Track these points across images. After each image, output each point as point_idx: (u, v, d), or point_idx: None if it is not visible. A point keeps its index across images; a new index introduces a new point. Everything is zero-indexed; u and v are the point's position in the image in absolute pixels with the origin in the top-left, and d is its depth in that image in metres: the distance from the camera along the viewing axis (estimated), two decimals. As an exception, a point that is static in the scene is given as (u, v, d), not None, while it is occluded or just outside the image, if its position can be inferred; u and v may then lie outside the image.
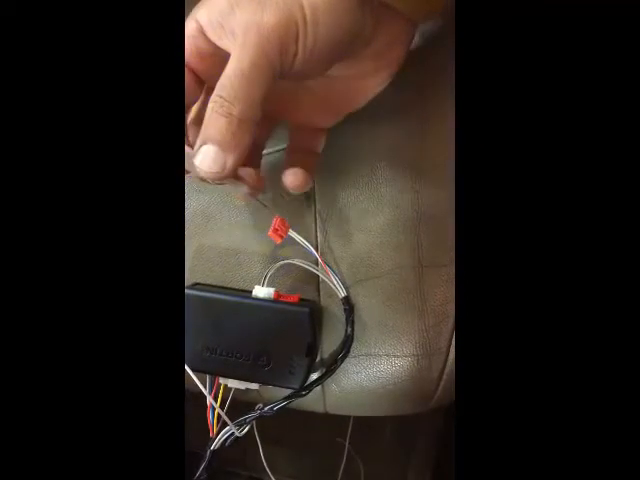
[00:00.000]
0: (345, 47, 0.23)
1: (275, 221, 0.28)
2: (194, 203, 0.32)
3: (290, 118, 0.29)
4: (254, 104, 0.21)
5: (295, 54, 0.21)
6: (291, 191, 0.27)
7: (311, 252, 0.30)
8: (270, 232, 0.28)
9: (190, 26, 0.22)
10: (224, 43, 0.22)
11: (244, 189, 0.25)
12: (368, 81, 0.26)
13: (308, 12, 0.20)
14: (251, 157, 0.27)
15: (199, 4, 0.22)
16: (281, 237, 0.28)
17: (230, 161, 0.21)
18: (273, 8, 0.20)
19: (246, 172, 0.25)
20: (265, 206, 0.27)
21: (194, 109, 0.26)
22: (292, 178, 0.26)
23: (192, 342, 0.30)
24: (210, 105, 0.21)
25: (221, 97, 0.21)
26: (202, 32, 0.22)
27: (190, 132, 0.25)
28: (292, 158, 0.28)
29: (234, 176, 0.24)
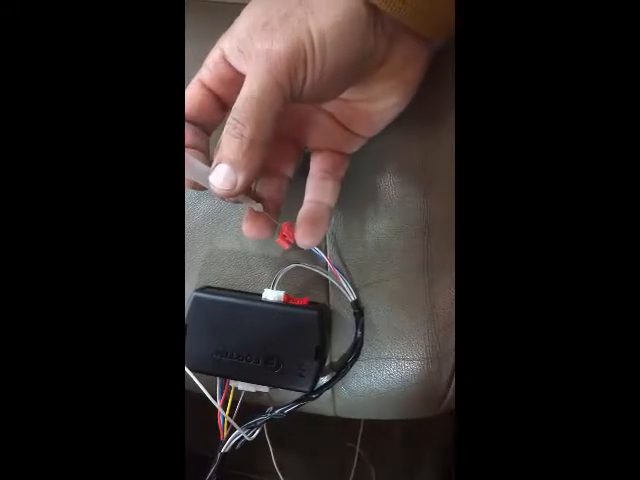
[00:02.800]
0: (356, 69, 0.23)
1: (283, 227, 0.28)
2: (205, 207, 0.33)
3: (311, 143, 0.29)
4: (265, 126, 0.22)
5: (304, 78, 0.22)
6: (301, 246, 0.28)
7: (320, 256, 0.30)
8: (278, 238, 0.28)
9: (214, 54, 0.24)
10: (243, 68, 0.23)
11: (258, 207, 0.26)
12: (385, 102, 0.27)
13: (315, 37, 0.21)
14: (272, 181, 0.28)
15: (224, 34, 0.24)
16: (289, 243, 0.28)
17: (241, 179, 0.22)
18: (282, 34, 0.21)
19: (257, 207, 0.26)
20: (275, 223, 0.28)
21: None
22: (304, 239, 0.27)
23: (202, 345, 0.30)
24: (225, 127, 0.22)
25: (234, 119, 0.22)
26: (225, 59, 0.24)
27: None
28: (307, 208, 0.28)
29: (248, 194, 0.26)
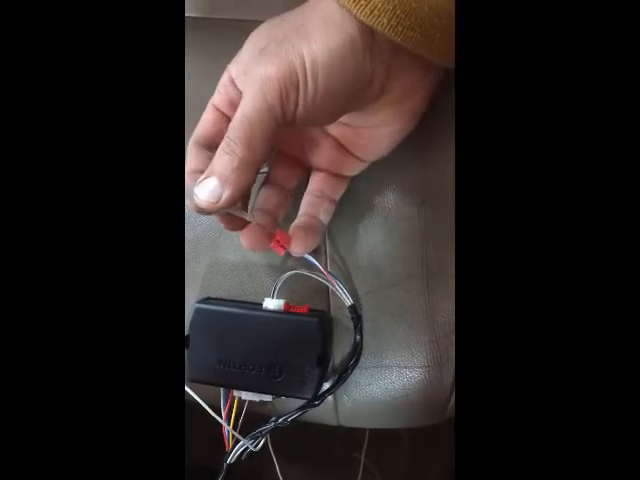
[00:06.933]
0: (351, 96, 0.23)
1: (277, 233, 0.28)
2: (206, 219, 0.33)
3: (313, 163, 0.30)
4: (255, 146, 0.22)
5: (296, 102, 0.22)
6: (292, 254, 0.29)
7: (311, 262, 0.31)
8: (273, 244, 0.28)
9: (224, 77, 0.25)
10: None
11: (251, 217, 0.27)
12: (388, 128, 0.27)
13: (307, 62, 0.21)
14: (274, 196, 0.29)
15: (234, 58, 0.25)
16: (283, 248, 0.29)
17: (226, 195, 0.23)
18: (276, 58, 0.22)
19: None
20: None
21: None
22: (296, 246, 0.28)
23: (205, 355, 0.30)
24: (220, 145, 0.23)
25: (228, 137, 0.23)
26: (233, 82, 0.25)
27: None
28: (301, 221, 0.29)
29: (240, 205, 0.26)
